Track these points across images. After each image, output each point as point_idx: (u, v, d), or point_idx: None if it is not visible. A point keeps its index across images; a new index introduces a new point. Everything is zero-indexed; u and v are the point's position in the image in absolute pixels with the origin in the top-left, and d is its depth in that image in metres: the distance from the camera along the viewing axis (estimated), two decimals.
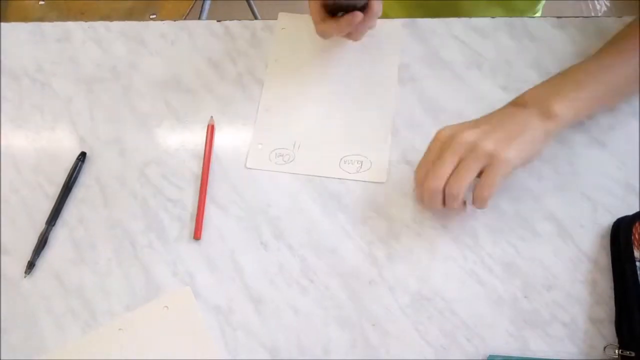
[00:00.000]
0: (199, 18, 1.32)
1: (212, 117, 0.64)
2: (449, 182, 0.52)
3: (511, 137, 0.53)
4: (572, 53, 0.66)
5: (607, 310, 0.54)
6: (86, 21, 0.73)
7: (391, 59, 0.67)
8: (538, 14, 0.91)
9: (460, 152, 0.53)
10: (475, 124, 0.55)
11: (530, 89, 0.57)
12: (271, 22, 0.70)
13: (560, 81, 0.57)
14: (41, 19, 1.26)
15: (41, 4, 1.25)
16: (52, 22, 0.73)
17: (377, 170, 0.61)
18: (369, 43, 0.68)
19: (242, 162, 0.63)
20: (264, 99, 0.66)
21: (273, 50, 0.69)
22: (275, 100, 0.66)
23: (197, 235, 0.58)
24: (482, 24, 0.68)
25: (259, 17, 1.48)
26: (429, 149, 0.56)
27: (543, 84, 0.58)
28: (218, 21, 0.71)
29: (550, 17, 0.69)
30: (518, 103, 0.57)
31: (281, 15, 0.70)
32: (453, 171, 0.53)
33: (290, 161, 0.62)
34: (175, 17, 1.22)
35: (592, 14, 1.51)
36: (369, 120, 0.64)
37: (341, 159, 0.62)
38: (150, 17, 1.22)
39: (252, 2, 1.48)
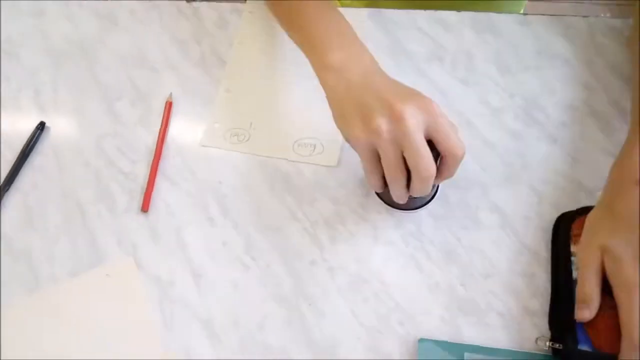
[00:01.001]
0: None
1: (171, 93, 0.65)
2: None
3: None
4: (534, 50, 0.66)
5: (542, 302, 0.53)
6: None
7: None
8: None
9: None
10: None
11: None
12: (239, 5, 0.71)
13: None
14: None
15: None
16: None
17: (329, 154, 0.62)
18: None
19: (197, 140, 0.63)
20: (225, 80, 0.66)
21: (239, 32, 0.69)
22: (236, 82, 0.66)
23: (145, 208, 0.59)
24: (447, 17, 0.69)
25: None
26: None
27: None
28: (187, 1, 0.72)
29: (517, 13, 0.70)
30: None
31: None
32: None
33: (245, 141, 0.63)
34: None
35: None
36: (325, 104, 0.64)
37: (295, 141, 0.63)
38: None
39: None
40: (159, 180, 0.61)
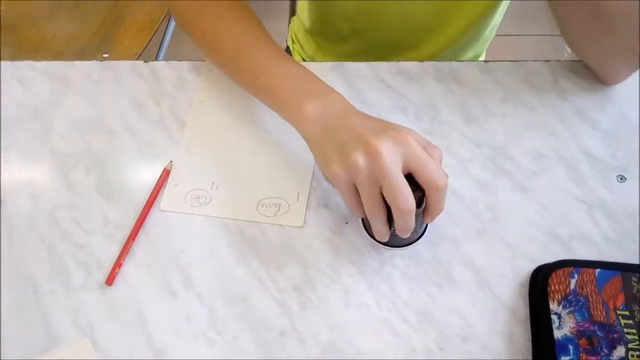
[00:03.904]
0: (156, 58, 1.32)
1: (171, 161, 0.62)
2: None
3: None
4: (498, 97, 0.66)
5: None
6: (40, 60, 0.71)
7: None
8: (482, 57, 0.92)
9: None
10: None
11: None
12: (198, 63, 0.70)
13: None
14: None
15: None
16: None
17: (294, 213, 0.59)
18: None
19: (156, 205, 0.60)
20: (185, 140, 0.64)
21: (199, 91, 0.67)
22: (196, 141, 0.64)
23: (109, 281, 0.55)
24: (409, 67, 0.68)
25: None
26: None
27: None
28: (145, 62, 0.70)
29: (478, 61, 0.69)
30: None
31: None
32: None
33: (207, 203, 0.60)
34: (129, 55, 1.22)
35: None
36: (290, 162, 0.62)
37: (259, 201, 0.60)
38: (104, 55, 1.21)
39: None
40: (115, 250, 0.58)
